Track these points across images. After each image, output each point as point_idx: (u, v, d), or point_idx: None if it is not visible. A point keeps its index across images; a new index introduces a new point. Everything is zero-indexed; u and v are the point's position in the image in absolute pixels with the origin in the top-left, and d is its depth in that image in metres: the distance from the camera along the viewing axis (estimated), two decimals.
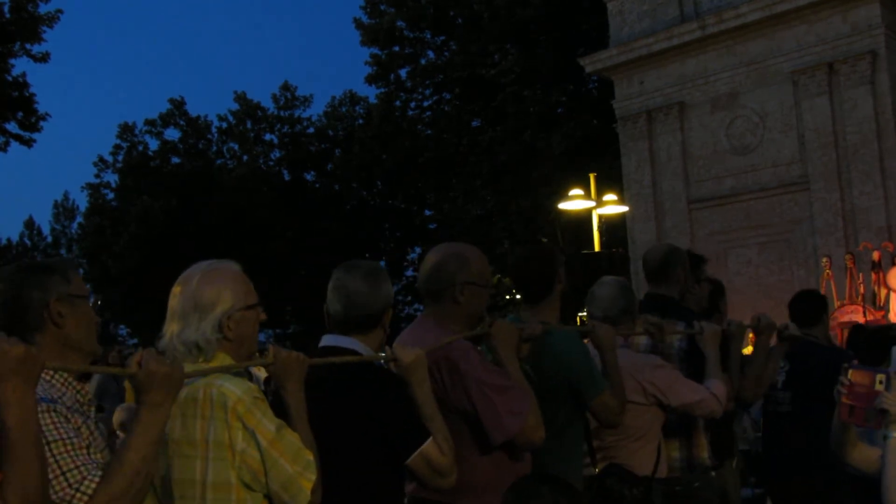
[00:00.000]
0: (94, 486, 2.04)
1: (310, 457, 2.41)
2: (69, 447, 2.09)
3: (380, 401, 2.73)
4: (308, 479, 2.38)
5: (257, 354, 2.69)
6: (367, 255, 39.84)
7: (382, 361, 2.88)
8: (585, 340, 3.75)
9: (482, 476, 3.04)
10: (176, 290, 2.55)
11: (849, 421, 3.52)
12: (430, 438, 2.69)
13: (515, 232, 32.36)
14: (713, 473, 4.27)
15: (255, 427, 2.35)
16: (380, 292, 2.89)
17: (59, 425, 2.11)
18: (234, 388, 2.39)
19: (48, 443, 2.05)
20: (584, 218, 21.14)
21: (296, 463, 2.37)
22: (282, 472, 2.36)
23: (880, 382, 3.40)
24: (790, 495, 5.10)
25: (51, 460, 2.03)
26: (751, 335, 5.52)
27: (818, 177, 20.07)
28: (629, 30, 23.50)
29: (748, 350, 5.05)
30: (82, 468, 2.06)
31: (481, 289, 3.18)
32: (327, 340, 2.89)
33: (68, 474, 2.04)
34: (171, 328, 2.52)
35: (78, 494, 2.03)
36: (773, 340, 4.52)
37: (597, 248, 19.04)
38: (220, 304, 2.51)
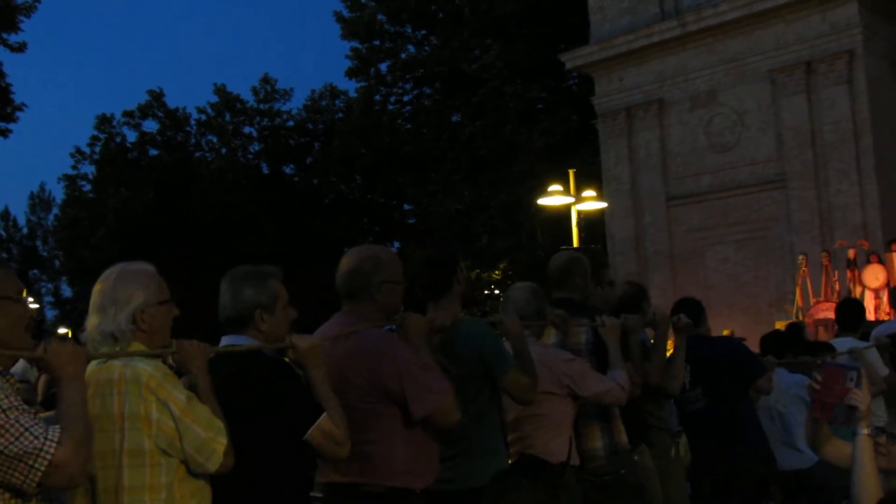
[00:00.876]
0: (57, 435, 2.28)
1: (220, 423, 2.71)
2: (23, 411, 2.32)
3: (274, 386, 2.97)
4: (220, 443, 2.68)
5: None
6: (345, 249, 39.51)
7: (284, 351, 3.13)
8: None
9: (400, 456, 3.28)
10: (97, 287, 2.87)
11: (820, 417, 3.59)
12: (324, 414, 2.95)
13: (495, 227, 32.41)
14: (636, 458, 4.55)
15: (167, 398, 2.65)
16: (239, 297, 3.07)
17: (9, 394, 2.33)
18: (145, 367, 2.70)
19: (4, 410, 2.27)
20: (562, 213, 21.18)
21: (209, 429, 2.67)
22: (195, 437, 2.66)
23: (850, 380, 3.47)
24: (715, 489, 5.23)
25: (12, 423, 2.27)
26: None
27: (795, 175, 20.22)
28: (610, 26, 23.57)
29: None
30: (40, 424, 2.31)
31: (397, 286, 3.48)
32: (223, 341, 3.11)
33: (32, 429, 2.27)
34: (91, 321, 2.83)
35: (47, 443, 2.26)
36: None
37: (575, 243, 19.06)
38: (134, 299, 2.80)
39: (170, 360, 2.89)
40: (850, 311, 7.13)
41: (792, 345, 6.57)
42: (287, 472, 2.98)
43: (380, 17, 35.97)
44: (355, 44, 36.78)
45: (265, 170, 41.94)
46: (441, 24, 34.83)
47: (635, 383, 4.37)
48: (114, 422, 2.66)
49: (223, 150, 41.82)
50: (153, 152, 42.13)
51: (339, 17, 36.59)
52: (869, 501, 3.33)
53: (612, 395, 4.22)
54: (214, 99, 42.43)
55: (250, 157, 42.42)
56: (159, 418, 2.65)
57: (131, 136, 42.33)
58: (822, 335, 14.73)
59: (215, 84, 42.58)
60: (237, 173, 39.38)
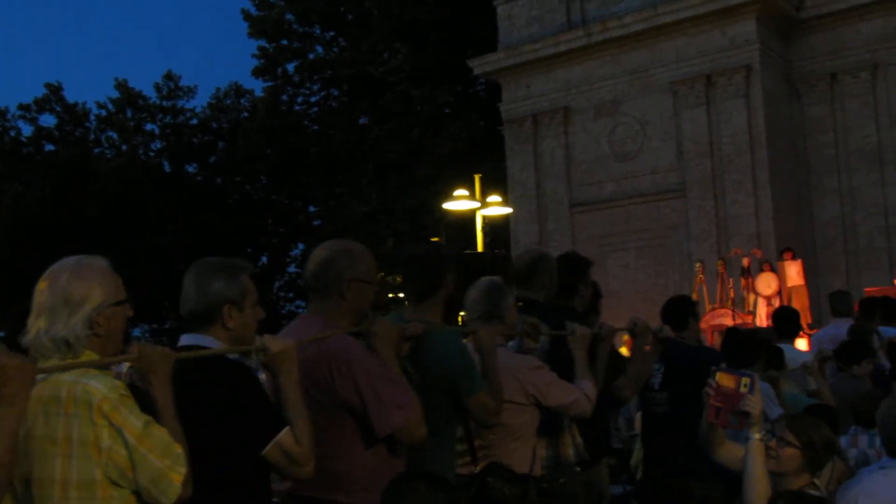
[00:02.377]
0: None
1: (179, 450, 2.42)
2: None
3: (234, 392, 2.72)
4: (178, 473, 2.40)
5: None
6: (248, 250, 39.23)
7: (253, 354, 2.90)
8: (466, 340, 3.79)
9: (360, 472, 3.08)
10: (42, 285, 2.53)
11: (715, 422, 3.69)
12: (287, 428, 2.70)
13: (400, 230, 32.42)
14: (578, 469, 4.39)
15: (122, 424, 2.36)
16: (207, 290, 2.82)
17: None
18: (99, 386, 2.39)
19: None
20: (468, 218, 21.31)
21: (165, 457, 2.38)
22: (150, 468, 2.37)
23: (745, 386, 3.58)
24: (663, 494, 5.27)
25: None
26: (625, 338, 5.67)
27: (694, 185, 20.75)
28: (518, 34, 23.82)
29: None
30: None
31: (368, 286, 3.24)
32: (184, 339, 2.88)
33: None
34: (37, 324, 2.50)
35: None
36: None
37: (480, 248, 19.22)
38: (90, 300, 2.50)
39: (117, 368, 2.66)
40: (786, 318, 7.31)
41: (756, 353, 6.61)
42: (245, 489, 2.75)
43: (288, 16, 35.65)
44: (262, 43, 36.37)
45: (167, 168, 41.10)
46: (350, 26, 34.70)
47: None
48: (57, 446, 2.37)
49: (124, 147, 40.84)
50: (50, 147, 40.88)
51: (247, 16, 36.14)
52: (758, 503, 3.45)
53: (578, 406, 4.05)
54: (115, 94, 41.44)
55: (152, 154, 41.52)
56: (111, 446, 2.36)
57: (27, 130, 41.00)
58: (716, 341, 15.12)
59: (116, 79, 41.61)
60: (138, 171, 38.47)
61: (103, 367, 2.51)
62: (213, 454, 2.64)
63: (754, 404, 3.54)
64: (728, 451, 3.83)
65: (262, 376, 3.01)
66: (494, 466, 3.83)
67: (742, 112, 20.14)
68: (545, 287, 4.53)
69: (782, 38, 21.08)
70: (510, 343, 4.28)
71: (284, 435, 2.70)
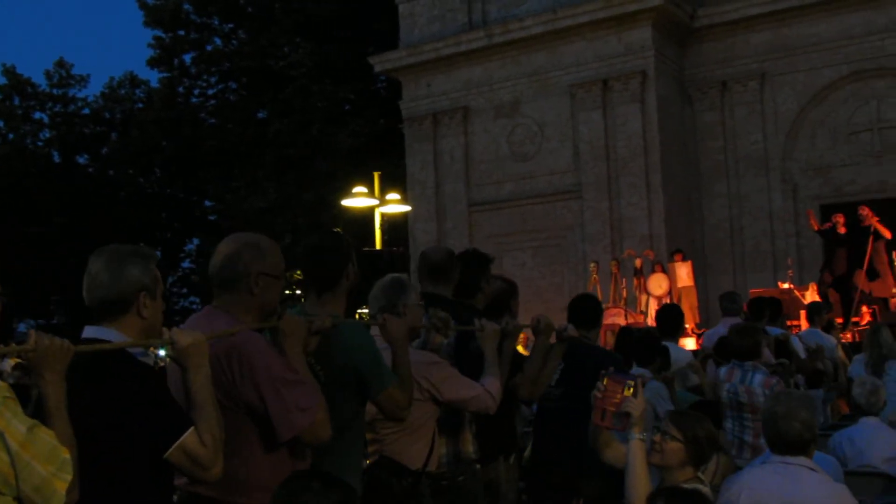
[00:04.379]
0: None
1: (66, 455, 2.28)
2: None
3: (135, 390, 2.60)
4: (63, 480, 2.26)
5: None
6: (141, 244, 38.13)
7: (159, 347, 2.81)
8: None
9: (262, 474, 2.99)
10: None
11: (601, 424, 3.80)
12: (192, 429, 2.60)
13: (298, 226, 32.11)
14: (478, 467, 4.36)
15: (5, 429, 2.20)
16: (122, 275, 2.70)
17: None
18: None
19: None
20: (367, 215, 21.27)
21: (50, 463, 2.23)
22: (34, 475, 2.21)
23: (629, 388, 3.70)
24: (551, 488, 5.34)
25: None
26: (522, 336, 5.71)
27: (590, 186, 21.14)
28: (419, 33, 23.86)
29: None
30: None
31: (276, 280, 3.15)
32: (87, 332, 2.72)
33: None
34: None
35: None
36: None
37: (378, 245, 19.21)
38: None
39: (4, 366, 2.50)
40: (669, 316, 7.49)
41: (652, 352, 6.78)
42: (146, 493, 2.64)
43: (185, 6, 34.96)
44: (158, 32, 35.60)
45: (57, 158, 39.80)
46: (250, 18, 34.23)
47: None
48: None
49: (10, 136, 39.39)
50: None
51: (142, 4, 35.30)
52: (639, 501, 3.56)
53: (479, 401, 3.99)
54: (2, 81, 39.92)
55: (40, 144, 40.15)
56: None
57: None
58: (610, 340, 15.45)
59: (4, 65, 40.05)
60: (26, 161, 37.18)
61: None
62: (111, 457, 2.54)
63: (635, 406, 3.67)
64: (614, 451, 3.94)
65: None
66: (384, 461, 3.82)
67: (637, 116, 20.60)
68: (454, 283, 4.50)
69: (677, 45, 21.65)
70: (415, 342, 4.20)
71: (189, 436, 2.59)
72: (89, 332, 2.72)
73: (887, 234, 14.72)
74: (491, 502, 4.53)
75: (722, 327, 8.67)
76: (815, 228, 16.33)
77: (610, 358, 5.59)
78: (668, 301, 17.09)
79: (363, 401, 3.51)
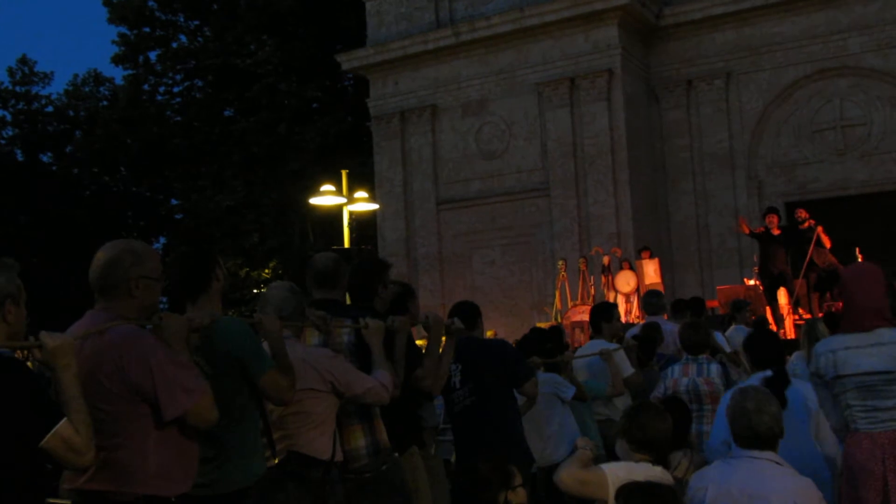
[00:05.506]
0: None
1: None
2: None
3: (4, 387, 2.74)
4: None
5: None
6: (106, 243, 37.82)
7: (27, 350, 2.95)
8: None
9: (152, 460, 3.13)
10: None
11: None
12: (65, 419, 2.75)
13: (265, 224, 31.97)
14: (396, 455, 4.62)
15: None
16: None
17: None
18: None
19: None
20: (335, 214, 21.17)
21: None
22: None
23: None
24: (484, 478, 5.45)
25: None
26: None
27: (558, 184, 21.22)
28: (386, 31, 23.83)
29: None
30: None
31: (155, 283, 3.35)
32: None
33: None
34: None
35: None
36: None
37: (346, 244, 19.11)
38: None
39: None
40: (602, 314, 7.61)
41: (558, 345, 7.02)
42: (23, 485, 2.76)
43: (150, 3, 34.65)
44: (123, 29, 35.23)
45: (20, 156, 39.31)
46: (216, 15, 33.99)
47: (396, 385, 4.38)
48: None
49: None
50: None
51: (107, 1, 34.92)
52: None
53: (374, 393, 4.25)
54: None
55: (3, 142, 39.63)
56: None
57: None
58: (578, 336, 15.55)
59: None
60: None
61: None
62: None
63: None
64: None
65: None
66: (294, 455, 4.07)
67: (604, 114, 20.72)
68: (345, 287, 4.78)
69: (643, 44, 21.79)
70: (314, 339, 4.53)
71: (63, 426, 2.74)
72: None
73: (827, 243, 14.90)
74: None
75: (638, 328, 8.88)
76: (746, 232, 16.54)
77: (504, 347, 5.83)
78: (635, 298, 17.21)
79: (253, 390, 3.69)
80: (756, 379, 5.13)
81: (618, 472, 3.94)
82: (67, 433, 2.74)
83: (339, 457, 4.23)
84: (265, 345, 3.80)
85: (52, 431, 2.72)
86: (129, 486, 3.10)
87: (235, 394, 3.58)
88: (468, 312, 5.59)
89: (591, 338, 7.89)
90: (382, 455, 4.46)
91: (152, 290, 3.32)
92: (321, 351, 4.34)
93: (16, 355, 2.94)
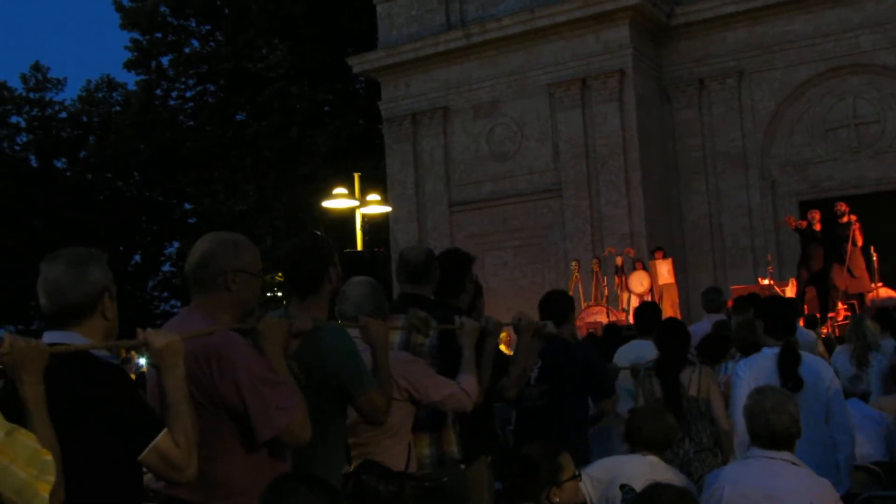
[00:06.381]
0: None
1: (47, 457, 2.25)
2: None
3: (106, 393, 2.58)
4: (46, 482, 2.23)
5: None
6: (121, 248, 38.06)
7: (139, 351, 2.78)
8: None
9: (241, 477, 2.95)
10: None
11: None
12: (165, 431, 2.59)
13: (278, 229, 32.02)
14: (462, 467, 4.32)
15: None
16: (86, 278, 2.70)
17: None
18: None
19: None
20: (347, 217, 21.19)
21: (30, 466, 2.21)
22: (14, 479, 2.18)
23: None
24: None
25: None
26: (503, 335, 5.73)
27: (570, 185, 21.19)
28: (397, 33, 23.86)
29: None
30: None
31: (253, 278, 3.13)
32: (47, 338, 2.66)
33: None
34: None
35: None
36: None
37: (359, 247, 19.13)
38: None
39: None
40: (647, 314, 7.52)
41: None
42: (119, 495, 2.60)
43: (162, 8, 34.75)
44: (135, 35, 35.34)
45: (34, 162, 39.52)
46: (227, 20, 34.07)
47: (481, 391, 4.09)
48: None
49: None
50: None
51: (119, 6, 35.05)
52: None
53: (455, 400, 3.97)
54: None
55: (17, 148, 39.84)
56: None
57: None
58: None
59: None
60: (2, 165, 36.90)
61: None
62: (84, 460, 2.51)
63: None
64: None
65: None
66: (368, 464, 3.76)
67: (616, 115, 20.67)
68: (434, 284, 4.48)
69: (654, 44, 21.74)
70: (395, 338, 4.21)
71: (162, 439, 2.58)
72: (51, 337, 2.67)
73: (859, 242, 14.87)
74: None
75: (706, 323, 8.71)
76: (792, 226, 16.45)
77: (585, 351, 5.64)
78: (648, 299, 17.16)
79: (344, 405, 3.48)
80: (768, 356, 5.06)
81: (591, 473, 4.02)
82: (166, 447, 2.58)
83: (412, 467, 3.97)
84: (366, 355, 3.53)
85: (151, 445, 2.56)
86: (215, 499, 2.92)
87: (325, 406, 3.34)
88: (560, 308, 5.35)
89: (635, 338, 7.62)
90: (447, 466, 4.20)
91: (250, 286, 3.11)
92: (399, 355, 4.02)
93: (121, 355, 2.80)
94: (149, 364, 2.73)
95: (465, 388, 3.98)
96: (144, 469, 2.71)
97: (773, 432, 3.83)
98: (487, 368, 4.24)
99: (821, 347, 9.64)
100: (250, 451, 2.96)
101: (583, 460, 5.19)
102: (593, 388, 5.40)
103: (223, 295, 3.06)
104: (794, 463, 3.81)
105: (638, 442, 4.26)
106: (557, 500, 3.51)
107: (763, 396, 3.94)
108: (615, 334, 9.04)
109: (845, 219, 14.84)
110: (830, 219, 15.46)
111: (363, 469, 3.71)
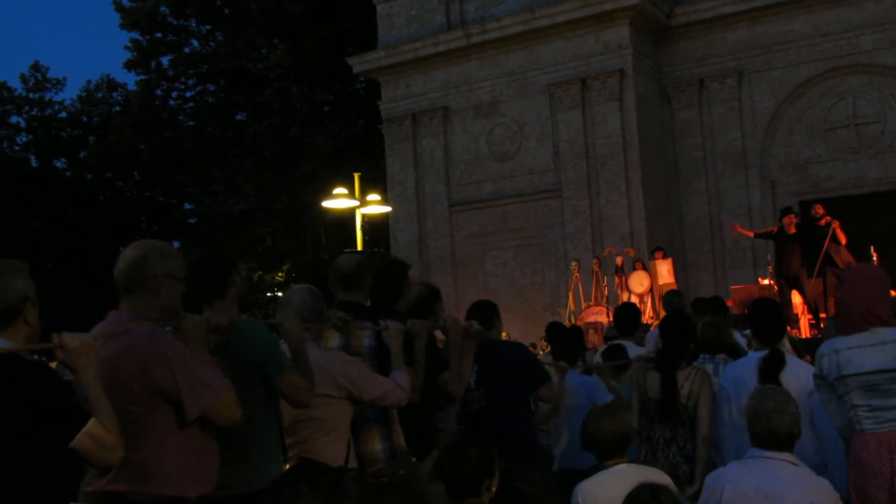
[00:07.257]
0: None
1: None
2: None
3: (33, 391, 2.76)
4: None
5: None
6: (120, 248, 37.91)
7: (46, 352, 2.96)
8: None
9: (173, 460, 3.15)
10: None
11: None
12: (93, 419, 2.77)
13: (278, 229, 32.05)
14: (414, 459, 4.55)
15: None
16: (13, 286, 2.90)
17: None
18: None
19: None
20: (347, 217, 21.20)
21: None
22: None
23: None
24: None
25: None
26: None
27: (570, 185, 21.20)
28: (397, 33, 23.87)
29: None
30: None
31: (179, 282, 3.36)
32: None
33: None
34: None
35: None
36: None
37: (359, 247, 19.13)
38: None
39: None
40: (626, 315, 7.55)
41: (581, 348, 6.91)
42: (50, 487, 2.79)
43: (162, 8, 34.77)
44: (135, 35, 35.37)
45: (34, 162, 39.51)
46: (227, 20, 34.10)
47: (414, 388, 4.33)
48: None
49: None
50: None
51: (119, 6, 35.07)
52: None
53: (392, 396, 4.20)
54: None
55: (17, 148, 39.84)
56: None
57: None
58: (592, 337, 15.51)
59: None
60: (2, 165, 36.89)
61: None
62: (15, 456, 2.69)
63: None
64: None
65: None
66: (305, 461, 4.02)
67: (616, 115, 20.68)
68: (366, 291, 4.73)
69: (654, 44, 21.75)
70: (334, 342, 4.47)
71: (92, 425, 2.76)
72: None
73: (843, 240, 14.73)
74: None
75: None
76: (751, 235, 16.40)
77: (520, 351, 5.79)
78: (649, 299, 17.17)
79: (271, 391, 3.69)
80: (752, 360, 5.09)
81: (587, 487, 4.03)
82: (97, 431, 2.76)
83: (352, 463, 4.18)
84: (284, 347, 3.77)
85: (83, 430, 2.74)
86: (150, 486, 3.11)
87: (252, 396, 3.54)
88: (485, 313, 5.57)
89: (615, 338, 7.75)
90: (399, 459, 4.41)
91: (176, 290, 3.34)
92: (336, 354, 4.30)
93: (33, 358, 2.96)
94: (59, 364, 2.92)
95: (399, 384, 4.23)
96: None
97: (775, 433, 3.83)
98: (420, 366, 4.47)
99: (789, 347, 9.63)
100: (182, 435, 3.17)
101: (529, 454, 5.41)
102: (526, 379, 5.55)
103: (152, 298, 3.28)
104: (793, 463, 3.82)
105: (599, 451, 4.20)
106: (495, 489, 3.58)
107: (765, 397, 3.94)
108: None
109: (823, 221, 14.74)
110: (806, 222, 15.39)
111: (300, 466, 4.01)
